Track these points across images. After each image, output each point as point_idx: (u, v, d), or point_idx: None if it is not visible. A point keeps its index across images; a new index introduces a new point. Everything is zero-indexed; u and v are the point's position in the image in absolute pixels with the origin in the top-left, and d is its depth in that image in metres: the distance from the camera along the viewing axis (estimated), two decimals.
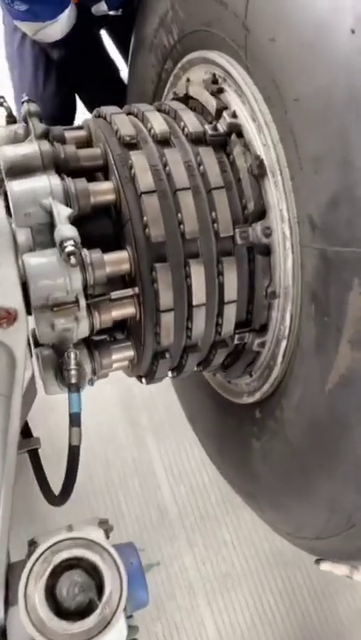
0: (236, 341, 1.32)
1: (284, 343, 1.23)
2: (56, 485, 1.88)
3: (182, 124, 1.28)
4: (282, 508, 1.49)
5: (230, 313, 1.28)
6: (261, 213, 1.20)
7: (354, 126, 0.92)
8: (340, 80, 0.92)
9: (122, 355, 1.35)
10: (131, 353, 1.35)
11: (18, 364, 0.98)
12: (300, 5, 0.98)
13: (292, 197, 1.11)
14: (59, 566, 0.70)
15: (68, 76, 2.11)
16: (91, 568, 0.70)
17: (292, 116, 1.05)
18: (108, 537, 0.93)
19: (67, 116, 2.23)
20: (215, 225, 1.22)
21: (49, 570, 0.69)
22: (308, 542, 1.42)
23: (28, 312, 1.08)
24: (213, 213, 1.21)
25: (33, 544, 0.91)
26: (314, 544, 1.40)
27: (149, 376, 1.42)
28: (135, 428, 2.38)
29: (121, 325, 1.36)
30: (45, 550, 0.71)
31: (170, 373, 1.46)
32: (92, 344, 1.30)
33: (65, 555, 0.70)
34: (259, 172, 1.17)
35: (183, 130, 1.28)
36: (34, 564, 0.69)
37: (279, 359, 1.26)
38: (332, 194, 0.98)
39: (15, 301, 1.00)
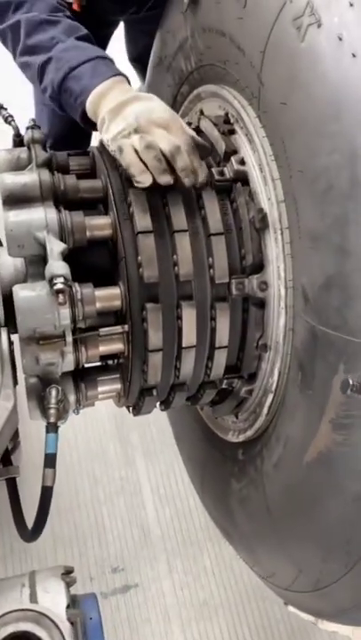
0: (224, 385, 1.31)
1: (270, 396, 1.22)
2: (36, 499, 1.89)
3: None
4: (254, 554, 1.48)
5: (221, 358, 1.26)
6: (259, 266, 1.18)
7: (353, 216, 0.90)
8: (345, 167, 0.90)
9: (108, 387, 1.34)
10: (117, 386, 1.34)
11: None
12: (313, 78, 0.94)
13: (289, 261, 1.10)
14: (5, 639, 0.69)
15: None
16: None
17: (295, 185, 1.03)
18: (69, 588, 0.91)
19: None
20: (211, 271, 1.20)
21: None
22: (278, 589, 1.41)
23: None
24: (210, 259, 1.19)
25: None
26: (283, 593, 1.38)
27: (136, 409, 1.41)
28: (125, 446, 2.37)
29: (111, 355, 1.35)
30: None
31: (158, 406, 1.45)
32: (79, 375, 1.29)
33: (11, 629, 0.69)
34: (260, 226, 1.15)
35: None
36: None
37: (265, 410, 1.25)
38: (326, 277, 0.96)
39: None
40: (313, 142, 0.96)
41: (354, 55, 0.88)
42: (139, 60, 2.40)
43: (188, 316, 1.20)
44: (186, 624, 2.06)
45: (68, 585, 0.93)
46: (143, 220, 1.16)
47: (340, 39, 0.89)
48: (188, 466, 2.04)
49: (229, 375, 1.32)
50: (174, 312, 1.20)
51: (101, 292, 1.17)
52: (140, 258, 1.16)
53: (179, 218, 1.18)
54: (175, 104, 1.61)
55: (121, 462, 2.33)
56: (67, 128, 2.14)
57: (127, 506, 2.25)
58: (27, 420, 1.28)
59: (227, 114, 1.30)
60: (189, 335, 1.21)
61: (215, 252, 1.17)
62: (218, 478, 1.59)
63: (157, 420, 2.33)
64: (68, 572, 0.96)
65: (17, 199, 1.15)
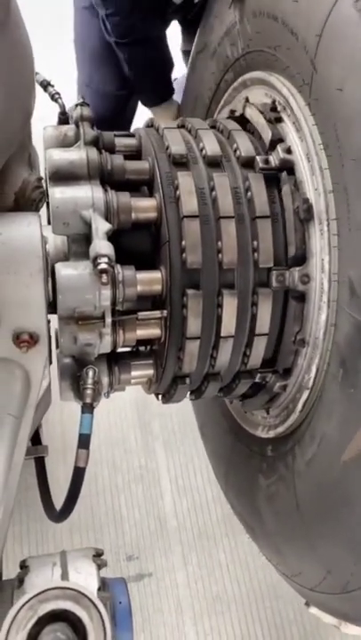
0: (257, 379, 1.28)
1: (306, 393, 1.19)
2: (61, 483, 1.89)
3: (235, 146, 1.23)
4: (279, 552, 1.45)
5: (260, 346, 1.24)
6: (302, 259, 1.15)
7: None
8: None
9: (141, 372, 1.32)
10: (150, 372, 1.32)
11: (33, 387, 0.96)
12: None
13: (335, 253, 1.06)
14: (43, 617, 0.68)
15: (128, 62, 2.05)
16: (76, 620, 0.68)
17: (348, 174, 0.99)
18: (99, 570, 0.90)
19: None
20: (255, 254, 1.17)
21: (33, 621, 0.67)
22: (302, 589, 1.38)
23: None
24: (255, 242, 1.16)
25: (24, 567, 0.90)
26: (307, 593, 1.36)
27: (167, 397, 1.39)
28: (146, 435, 2.36)
29: (145, 341, 1.33)
30: (32, 598, 0.68)
31: (189, 395, 1.43)
32: (113, 358, 1.28)
33: (51, 606, 0.68)
34: (305, 217, 1.12)
35: (235, 153, 1.23)
36: (18, 611, 0.67)
37: (299, 407, 1.22)
38: None
39: (39, 325, 0.98)
40: None
41: None
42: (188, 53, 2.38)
43: (229, 305, 1.17)
44: (198, 617, 2.05)
45: (99, 567, 0.92)
46: (189, 204, 1.14)
47: None
48: (212, 459, 2.02)
49: (264, 369, 1.29)
50: (215, 300, 1.18)
51: (143, 276, 1.16)
52: (184, 242, 1.14)
53: (226, 203, 1.16)
54: (218, 91, 1.58)
55: (141, 451, 2.32)
56: (109, 109, 2.14)
57: (145, 495, 2.24)
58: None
59: (274, 101, 1.26)
60: (229, 324, 1.19)
61: (260, 234, 1.15)
62: (244, 473, 1.57)
63: (179, 411, 2.31)
64: (98, 555, 0.94)
65: (63, 176, 1.14)
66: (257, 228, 1.16)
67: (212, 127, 1.33)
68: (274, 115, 1.25)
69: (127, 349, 1.34)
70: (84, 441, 1.06)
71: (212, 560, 2.14)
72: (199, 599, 2.08)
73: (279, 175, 1.19)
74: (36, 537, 2.15)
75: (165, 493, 2.26)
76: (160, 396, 1.43)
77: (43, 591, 0.68)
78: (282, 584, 2.04)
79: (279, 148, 1.20)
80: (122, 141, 1.29)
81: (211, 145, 1.21)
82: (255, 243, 1.17)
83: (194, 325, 1.17)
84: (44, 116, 1.42)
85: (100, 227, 1.08)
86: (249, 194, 1.18)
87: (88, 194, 1.11)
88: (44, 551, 2.09)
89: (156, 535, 2.18)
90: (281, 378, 1.28)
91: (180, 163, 1.19)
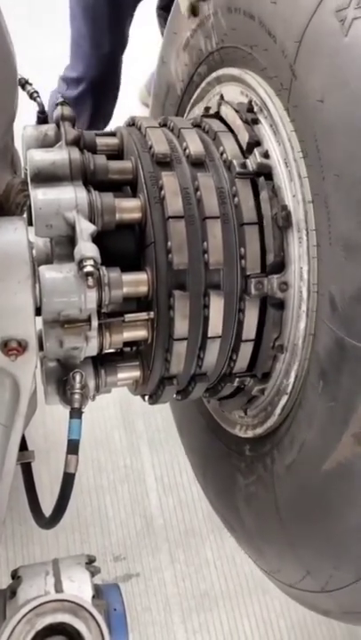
0: (235, 384, 1.28)
1: (285, 398, 1.18)
2: (44, 483, 1.87)
3: (221, 148, 1.22)
4: (258, 550, 1.46)
5: (247, 351, 1.23)
6: (280, 266, 1.14)
7: None
8: None
9: (128, 374, 1.31)
10: (137, 373, 1.31)
11: (22, 395, 0.94)
12: (356, 76, 0.88)
13: (314, 264, 1.05)
14: (41, 631, 0.67)
15: None
16: (75, 633, 0.67)
17: (329, 188, 0.97)
18: (93, 577, 0.89)
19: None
20: (243, 261, 1.16)
21: (30, 635, 0.66)
22: (281, 585, 1.39)
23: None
24: (242, 249, 1.16)
25: (17, 578, 0.88)
26: (287, 589, 1.37)
27: (154, 398, 1.38)
28: (130, 434, 2.35)
29: (131, 342, 1.32)
30: (29, 612, 0.67)
31: (175, 395, 1.42)
32: (99, 360, 1.26)
33: (49, 620, 0.67)
34: (283, 224, 1.11)
35: (221, 155, 1.22)
36: (15, 626, 0.65)
37: (278, 410, 1.21)
38: (359, 289, 0.91)
39: (27, 333, 0.96)
40: (354, 146, 0.90)
41: None
42: (166, 9, 2.37)
43: (216, 305, 1.17)
44: (186, 614, 2.06)
45: (92, 574, 0.91)
46: (175, 205, 1.13)
47: None
48: (189, 456, 2.02)
49: (242, 373, 1.29)
50: (201, 300, 1.17)
51: (128, 277, 1.14)
52: (169, 243, 1.13)
53: (211, 203, 1.15)
54: (191, 84, 1.55)
55: (125, 450, 2.32)
56: (103, 70, 2.14)
57: (131, 494, 2.24)
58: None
59: (250, 102, 1.24)
60: (216, 325, 1.18)
61: (248, 242, 1.14)
62: (222, 472, 1.57)
63: (164, 409, 2.31)
64: (90, 562, 0.93)
65: (45, 177, 1.12)
66: (244, 235, 1.15)
67: (197, 126, 1.32)
68: (250, 116, 1.22)
69: (112, 351, 1.33)
70: (73, 446, 1.04)
71: (199, 557, 2.15)
72: (187, 597, 2.08)
73: (257, 180, 1.18)
74: (21, 539, 2.12)
75: (151, 492, 2.25)
76: (147, 398, 1.42)
77: (39, 604, 0.67)
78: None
79: (256, 151, 1.18)
80: (103, 141, 1.27)
81: (194, 145, 1.20)
82: (242, 250, 1.15)
83: (181, 326, 1.17)
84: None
85: (85, 228, 1.07)
86: (236, 199, 1.17)
87: (71, 195, 1.09)
88: (29, 554, 2.07)
89: (143, 534, 2.18)
90: (259, 382, 1.28)
91: (164, 162, 1.18)
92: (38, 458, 2.12)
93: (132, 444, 2.33)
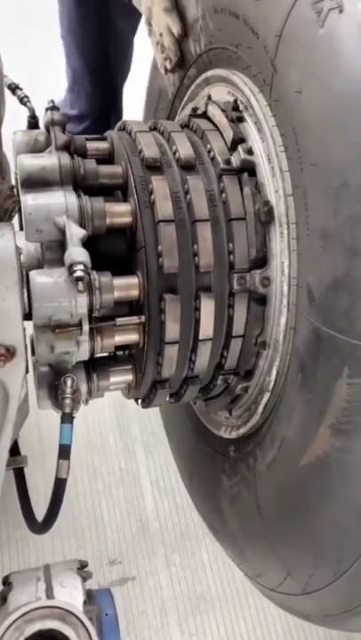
0: (219, 382, 1.28)
1: (267, 395, 1.19)
2: (40, 487, 1.86)
3: (209, 146, 1.23)
4: (240, 553, 1.46)
5: (236, 347, 1.24)
6: (262, 261, 1.15)
7: None
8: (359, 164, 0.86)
9: (120, 378, 1.31)
10: (129, 377, 1.31)
11: (11, 401, 0.94)
12: (331, 67, 0.89)
13: (294, 257, 1.06)
14: (30, 637, 0.66)
15: None
16: (64, 639, 0.67)
17: (306, 179, 0.99)
18: (85, 582, 0.89)
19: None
20: (231, 257, 1.17)
21: None
22: (264, 590, 1.39)
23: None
24: (231, 245, 1.16)
25: (8, 584, 0.88)
26: (269, 593, 1.37)
27: (146, 401, 1.38)
28: (125, 437, 2.34)
29: (123, 346, 1.32)
30: (18, 618, 0.67)
31: (168, 398, 1.42)
32: (91, 365, 1.26)
33: (38, 626, 0.67)
34: (266, 219, 1.12)
35: (209, 153, 1.23)
36: (4, 633, 0.65)
37: (260, 409, 1.22)
38: (335, 277, 0.92)
39: (15, 339, 0.96)
40: (328, 135, 0.92)
41: None
42: None
43: (207, 308, 1.17)
44: (182, 617, 2.05)
45: (84, 580, 0.90)
46: (165, 209, 1.13)
47: None
48: (176, 459, 2.02)
49: (225, 371, 1.29)
50: (192, 303, 1.18)
51: (119, 281, 1.14)
52: (160, 247, 1.13)
53: (200, 207, 1.16)
54: (181, 87, 1.57)
55: (120, 453, 2.31)
56: (106, 104, 2.11)
57: (126, 498, 2.23)
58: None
59: (236, 100, 1.26)
60: (207, 327, 1.19)
61: (236, 237, 1.14)
62: (207, 474, 1.57)
63: (158, 412, 2.31)
64: (82, 567, 0.93)
65: (35, 182, 1.12)
66: (233, 230, 1.16)
67: (185, 126, 1.33)
68: (236, 114, 1.24)
69: (104, 355, 1.33)
70: (64, 452, 1.04)
71: (195, 560, 2.15)
72: (183, 600, 2.08)
73: (240, 176, 1.19)
74: (16, 545, 2.12)
75: (146, 495, 2.25)
76: (140, 401, 1.42)
77: (29, 611, 0.67)
78: None
79: (240, 148, 1.19)
80: (94, 145, 1.27)
81: (184, 148, 1.20)
82: (231, 245, 1.16)
83: (172, 330, 1.17)
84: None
85: (75, 233, 1.07)
86: (224, 195, 1.18)
87: (61, 200, 1.09)
88: (24, 559, 2.06)
89: (138, 538, 2.17)
90: (243, 380, 1.28)
91: (154, 167, 1.18)
92: (33, 462, 2.11)
93: (128, 448, 2.33)
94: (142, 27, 2.20)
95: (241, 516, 1.38)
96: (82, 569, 0.93)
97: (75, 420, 2.13)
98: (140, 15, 1.96)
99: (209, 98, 1.38)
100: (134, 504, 2.22)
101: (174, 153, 1.21)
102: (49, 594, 0.83)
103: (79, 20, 2.10)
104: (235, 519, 1.43)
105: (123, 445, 2.33)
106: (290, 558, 1.20)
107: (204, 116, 1.34)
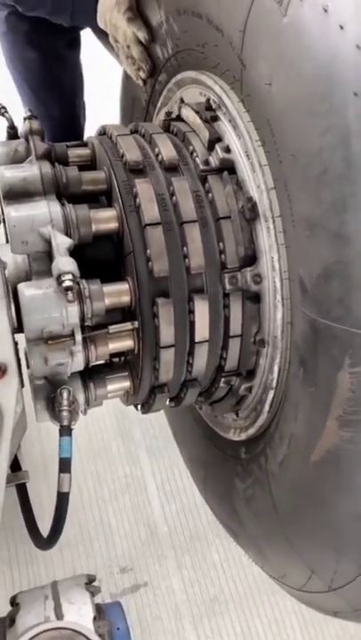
0: (222, 384, 1.27)
1: (271, 393, 1.18)
2: (44, 500, 1.85)
3: (191, 148, 1.21)
4: (262, 555, 1.44)
5: (235, 347, 1.22)
6: (252, 259, 1.13)
7: (351, 200, 0.84)
8: (339, 147, 0.84)
9: (118, 385, 1.29)
10: (127, 384, 1.30)
11: (5, 418, 0.92)
12: (298, 54, 0.88)
13: (283, 251, 1.05)
14: None
15: None
16: None
17: (286, 170, 0.97)
18: (93, 598, 0.87)
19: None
20: (222, 256, 1.16)
21: None
22: (291, 590, 1.38)
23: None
24: (221, 244, 1.15)
25: (15, 605, 0.86)
26: (296, 593, 1.36)
27: (146, 407, 1.37)
28: (128, 443, 2.33)
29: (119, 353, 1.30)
30: None
31: (168, 403, 1.41)
32: (87, 374, 1.24)
33: None
34: (251, 216, 1.10)
35: (192, 155, 1.21)
36: None
37: (266, 408, 1.21)
38: (325, 266, 0.91)
39: (6, 356, 0.94)
40: (303, 123, 0.91)
41: (341, 27, 0.82)
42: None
43: (201, 310, 1.16)
44: (197, 620, 2.04)
45: (93, 594, 0.89)
46: (151, 212, 1.12)
47: (326, 11, 0.84)
48: (189, 465, 2.01)
49: (227, 372, 1.27)
50: (186, 306, 1.16)
51: (110, 288, 1.13)
52: (148, 251, 1.12)
53: (187, 208, 1.14)
54: (154, 93, 1.56)
55: (124, 459, 2.29)
56: (65, 130, 2.11)
57: (133, 504, 2.21)
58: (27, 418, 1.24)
59: (208, 100, 1.25)
60: (202, 329, 1.17)
61: (225, 235, 1.13)
62: (221, 477, 1.56)
63: (159, 415, 2.29)
64: (90, 581, 0.92)
65: (17, 194, 1.10)
66: (221, 229, 1.15)
67: (167, 130, 1.31)
68: (210, 114, 1.23)
69: (101, 362, 1.31)
70: (65, 465, 1.03)
71: (206, 562, 2.13)
72: (197, 602, 2.06)
73: (221, 175, 1.17)
74: (25, 558, 2.10)
75: (153, 500, 2.23)
76: (139, 407, 1.41)
77: (37, 634, 0.66)
78: None
79: (218, 147, 1.18)
80: (75, 152, 1.25)
81: (166, 150, 1.19)
82: (221, 244, 1.15)
83: (167, 334, 1.15)
84: None
85: (61, 243, 1.05)
86: (210, 195, 1.17)
87: (45, 210, 1.08)
88: (34, 572, 2.04)
89: (148, 543, 2.15)
90: (245, 380, 1.26)
91: (137, 170, 1.17)
92: (36, 475, 2.10)
93: (131, 453, 2.31)
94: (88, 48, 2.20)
95: (258, 517, 1.37)
96: (90, 583, 0.91)
97: (75, 428, 2.12)
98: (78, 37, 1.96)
99: (182, 101, 1.38)
100: (141, 509, 2.20)
101: (157, 155, 1.20)
102: (58, 612, 0.82)
103: (24, 56, 2.10)
104: (252, 521, 1.41)
105: (126, 451, 2.31)
106: (312, 556, 1.19)
107: (179, 119, 1.33)
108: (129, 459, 2.29)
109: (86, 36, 2.16)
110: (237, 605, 2.07)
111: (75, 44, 2.19)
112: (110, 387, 1.27)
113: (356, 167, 0.83)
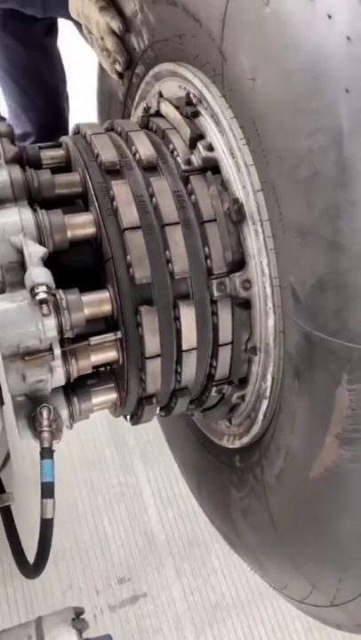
0: (213, 393, 1.21)
1: (265, 402, 1.12)
2: (35, 514, 1.78)
3: (171, 146, 1.14)
4: (261, 566, 1.39)
5: (225, 355, 1.16)
6: (240, 263, 1.07)
7: (345, 205, 0.78)
8: (330, 148, 0.77)
9: (103, 398, 1.23)
10: (113, 396, 1.23)
11: None
12: (283, 47, 0.80)
13: (273, 256, 0.99)
14: None
15: None
16: None
17: (273, 173, 0.90)
18: (81, 635, 0.81)
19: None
20: (208, 261, 1.09)
21: None
22: (292, 601, 1.33)
23: None
24: (206, 249, 1.08)
25: None
26: (297, 604, 1.30)
27: (135, 418, 1.30)
28: (122, 450, 2.27)
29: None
30: None
31: (159, 412, 1.34)
32: (70, 387, 1.18)
33: None
34: (237, 218, 1.03)
35: (172, 153, 1.14)
36: None
37: (260, 416, 1.15)
38: (319, 276, 0.84)
39: None
40: (290, 122, 0.83)
41: (329, 16, 0.75)
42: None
43: (187, 316, 1.09)
44: (199, 629, 1.99)
45: (80, 632, 0.83)
46: (129, 215, 1.05)
47: None
48: (182, 470, 1.95)
49: (218, 381, 1.21)
50: (171, 313, 1.10)
51: (89, 297, 1.06)
52: (129, 257, 1.05)
53: (168, 209, 1.07)
54: (131, 87, 1.48)
55: (118, 467, 2.24)
56: (49, 120, 2.06)
57: (129, 512, 2.16)
58: (15, 431, 1.18)
59: (188, 94, 1.17)
60: (190, 336, 1.11)
61: (210, 239, 1.07)
62: (216, 485, 1.50)
63: (153, 420, 2.23)
64: (78, 615, 0.86)
65: None
66: (206, 233, 1.08)
67: (145, 127, 1.24)
68: (190, 109, 1.15)
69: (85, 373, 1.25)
70: (47, 490, 0.96)
71: (206, 568, 2.08)
72: (198, 611, 2.02)
73: (204, 175, 1.10)
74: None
75: (149, 507, 2.18)
76: (128, 418, 1.34)
77: None
78: None
79: (200, 145, 1.10)
80: (48, 154, 1.18)
81: (144, 148, 1.12)
82: (206, 249, 1.08)
83: (152, 343, 1.09)
84: None
85: (34, 252, 0.98)
86: (193, 197, 1.10)
87: (15, 217, 1.01)
88: (29, 589, 1.98)
89: (145, 552, 2.10)
90: (238, 388, 1.20)
91: (114, 170, 1.10)
92: (28, 488, 2.03)
93: (125, 460, 2.25)
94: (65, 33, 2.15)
95: (255, 529, 1.31)
96: (77, 618, 0.85)
97: (67, 436, 2.05)
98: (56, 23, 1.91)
99: (160, 95, 1.30)
100: (138, 517, 2.15)
101: (134, 154, 1.13)
102: None
103: (1, 46, 2.04)
104: (249, 532, 1.36)
105: (120, 458, 2.26)
106: (312, 572, 1.14)
107: (158, 114, 1.26)
108: (123, 466, 2.24)
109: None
110: (240, 611, 2.02)
111: (52, 30, 2.12)
112: (96, 400, 1.21)
113: (350, 170, 0.77)
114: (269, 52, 0.83)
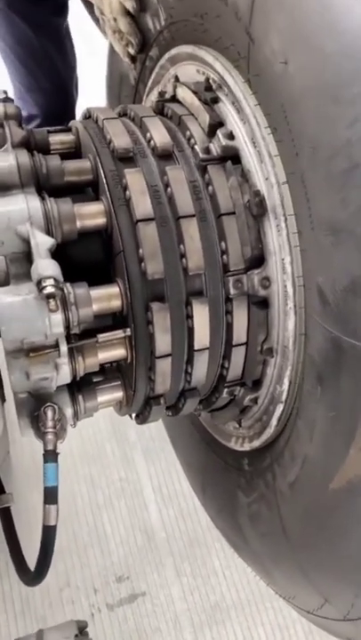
0: (224, 394, 1.15)
1: (280, 407, 1.06)
2: (37, 509, 1.74)
3: (188, 133, 1.08)
4: (268, 574, 1.34)
5: (239, 357, 1.10)
6: (259, 260, 1.01)
7: None
8: None
9: (109, 396, 1.18)
10: (120, 394, 1.18)
11: None
12: (322, 28, 0.74)
13: (297, 254, 0.92)
14: None
15: None
16: None
17: (304, 164, 0.84)
18: None
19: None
20: (225, 257, 1.03)
21: None
22: (301, 611, 1.28)
23: None
24: (223, 243, 1.03)
25: None
26: (306, 615, 1.26)
27: (141, 418, 1.25)
28: (123, 445, 2.22)
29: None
30: None
31: (166, 412, 1.29)
32: (75, 385, 1.13)
33: None
34: (258, 212, 0.97)
35: (189, 141, 1.08)
36: None
37: (274, 421, 1.10)
38: (353, 279, 0.79)
39: None
40: (327, 111, 0.78)
41: None
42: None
43: (200, 315, 1.04)
44: (198, 630, 1.95)
45: None
46: (143, 206, 0.99)
47: None
48: (186, 470, 1.90)
49: (230, 382, 1.16)
50: (183, 311, 1.04)
51: (98, 292, 1.00)
52: (141, 251, 0.99)
53: (184, 200, 1.01)
54: (144, 70, 1.41)
55: (119, 463, 2.19)
56: (56, 103, 1.99)
57: (129, 509, 2.12)
58: (15, 426, 1.13)
59: (207, 79, 1.11)
60: (202, 336, 1.05)
61: (228, 235, 1.01)
62: (222, 488, 1.45)
63: None
64: (81, 630, 0.81)
65: None
66: (223, 227, 1.02)
67: (160, 113, 1.18)
68: (209, 95, 1.09)
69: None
70: (50, 495, 0.91)
71: (206, 568, 2.05)
72: (197, 611, 1.98)
73: (223, 165, 1.04)
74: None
75: (150, 504, 2.14)
76: (134, 417, 1.29)
77: None
78: None
79: (219, 133, 1.04)
80: (57, 138, 1.12)
81: (159, 135, 1.06)
82: (223, 244, 1.02)
83: (163, 342, 1.03)
84: None
85: (41, 242, 0.93)
86: (210, 188, 1.04)
87: (22, 205, 0.95)
88: (26, 587, 1.94)
89: (145, 550, 2.06)
90: (250, 391, 1.15)
91: (127, 158, 1.04)
92: (28, 483, 1.98)
93: (126, 456, 2.21)
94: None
95: (264, 537, 1.27)
96: (80, 634, 0.80)
97: (69, 432, 1.99)
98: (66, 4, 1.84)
99: (176, 79, 1.23)
100: (138, 514, 2.11)
101: (149, 141, 1.07)
102: None
103: (9, 26, 1.96)
104: (257, 539, 1.32)
105: (121, 454, 2.21)
106: (326, 585, 1.09)
107: (174, 100, 1.19)
108: (124, 461, 2.19)
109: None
110: (240, 613, 1.99)
111: (62, 11, 2.05)
112: (101, 398, 1.16)
113: None
114: (305, 33, 0.77)
